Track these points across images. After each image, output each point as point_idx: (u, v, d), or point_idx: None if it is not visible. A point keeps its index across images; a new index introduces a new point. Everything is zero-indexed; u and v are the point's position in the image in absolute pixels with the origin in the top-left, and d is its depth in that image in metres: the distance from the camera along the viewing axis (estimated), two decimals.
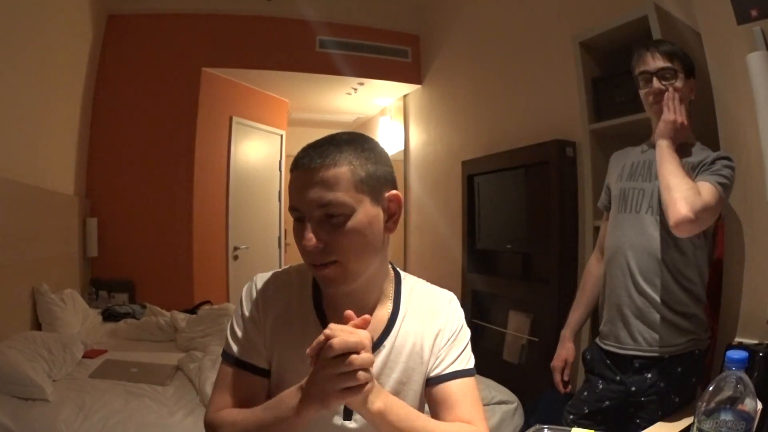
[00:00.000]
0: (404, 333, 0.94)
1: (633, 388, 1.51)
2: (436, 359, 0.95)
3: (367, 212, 0.84)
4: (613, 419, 1.56)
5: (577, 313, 1.79)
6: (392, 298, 0.96)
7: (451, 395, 0.92)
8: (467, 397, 0.93)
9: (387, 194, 0.88)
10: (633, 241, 1.52)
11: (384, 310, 0.95)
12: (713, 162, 1.42)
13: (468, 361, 0.97)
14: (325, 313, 0.93)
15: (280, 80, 4.73)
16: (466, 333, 0.99)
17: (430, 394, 0.95)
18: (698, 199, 1.30)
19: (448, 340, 0.96)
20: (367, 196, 0.84)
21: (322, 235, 0.82)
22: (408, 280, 1.00)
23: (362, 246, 0.85)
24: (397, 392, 0.92)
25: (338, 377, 0.74)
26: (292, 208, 0.85)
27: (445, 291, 1.03)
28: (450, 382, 0.93)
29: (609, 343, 1.58)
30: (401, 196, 0.90)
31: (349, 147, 0.84)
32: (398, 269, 1.00)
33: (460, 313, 1.01)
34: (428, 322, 0.96)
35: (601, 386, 1.58)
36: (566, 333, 1.80)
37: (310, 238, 0.81)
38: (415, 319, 0.95)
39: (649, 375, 1.48)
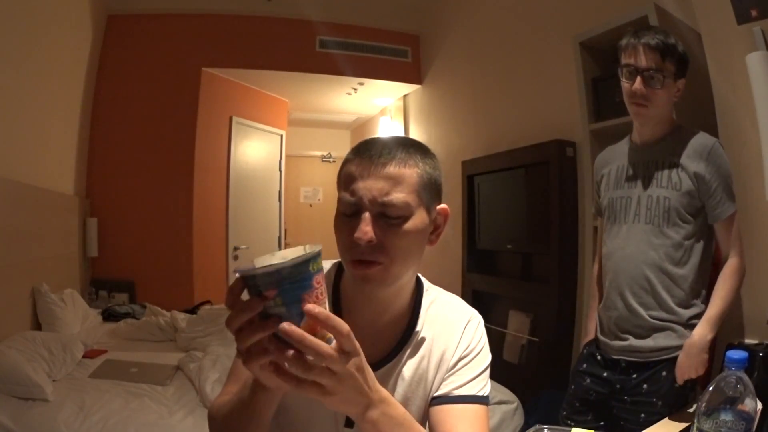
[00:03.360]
0: (415, 348, 0.90)
1: (618, 386, 1.52)
2: (442, 380, 0.89)
3: (421, 219, 0.82)
4: (604, 416, 1.57)
5: (592, 322, 1.70)
6: (411, 310, 0.92)
7: (447, 420, 0.85)
8: (467, 424, 0.85)
9: (438, 207, 0.87)
10: (622, 252, 1.53)
11: (401, 322, 0.91)
12: (713, 188, 1.42)
13: (481, 388, 0.89)
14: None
15: (280, 80, 4.72)
16: (484, 358, 0.92)
17: (430, 414, 0.88)
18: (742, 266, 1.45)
19: (459, 361, 0.90)
20: (423, 203, 0.83)
21: (377, 232, 0.79)
22: (430, 293, 0.95)
23: (410, 251, 0.82)
24: None
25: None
26: (348, 198, 0.81)
27: (468, 309, 0.96)
28: (451, 406, 0.86)
29: (603, 349, 1.59)
30: (449, 210, 0.88)
31: (417, 151, 0.83)
32: (422, 279, 0.96)
33: (479, 336, 0.93)
34: (440, 339, 0.91)
35: (588, 380, 1.60)
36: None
37: (367, 231, 0.78)
38: (428, 336, 0.91)
39: (635, 376, 1.49)
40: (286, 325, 0.59)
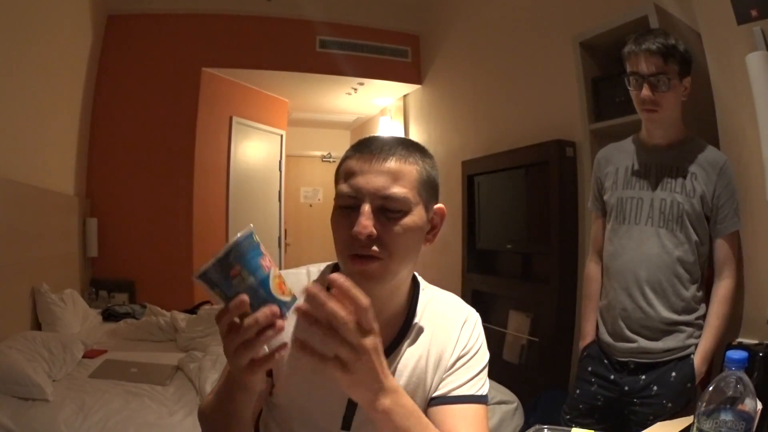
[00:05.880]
0: (411, 348, 0.89)
1: (626, 388, 1.52)
2: (440, 380, 0.89)
3: (420, 216, 0.83)
4: (609, 418, 1.56)
5: (590, 323, 1.69)
6: (407, 309, 0.91)
7: (447, 420, 0.84)
8: (466, 425, 0.84)
9: (435, 206, 0.88)
10: (633, 254, 1.52)
11: (397, 321, 0.90)
12: (722, 203, 1.44)
13: (480, 387, 0.89)
14: None
15: (280, 80, 4.73)
16: (482, 357, 0.92)
17: (429, 415, 0.86)
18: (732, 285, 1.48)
19: (457, 360, 0.89)
20: (422, 201, 0.83)
21: (376, 226, 0.79)
22: (427, 292, 0.95)
23: (408, 247, 0.82)
24: None
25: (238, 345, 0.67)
26: (347, 192, 0.81)
27: (465, 308, 0.95)
28: (451, 406, 0.86)
29: (608, 351, 1.58)
30: (445, 210, 0.89)
31: (416, 149, 0.85)
32: (419, 278, 0.95)
33: (477, 335, 0.93)
34: (437, 338, 0.90)
35: (595, 384, 1.59)
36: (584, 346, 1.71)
37: (367, 225, 0.77)
38: (425, 335, 0.90)
39: (643, 377, 1.49)
40: (313, 288, 0.63)
